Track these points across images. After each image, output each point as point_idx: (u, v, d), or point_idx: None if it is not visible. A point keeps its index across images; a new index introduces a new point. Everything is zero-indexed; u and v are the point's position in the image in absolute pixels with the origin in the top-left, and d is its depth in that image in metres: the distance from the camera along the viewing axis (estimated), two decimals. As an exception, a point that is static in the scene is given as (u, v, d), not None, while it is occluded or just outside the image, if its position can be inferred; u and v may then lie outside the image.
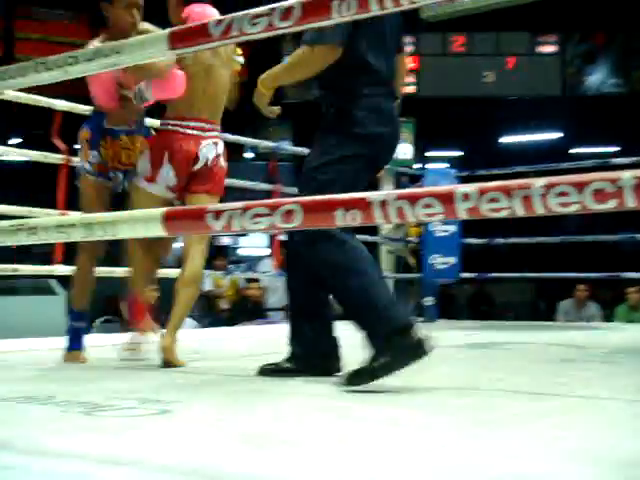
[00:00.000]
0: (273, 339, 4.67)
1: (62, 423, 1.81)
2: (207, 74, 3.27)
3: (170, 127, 3.26)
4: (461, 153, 16.94)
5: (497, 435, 1.69)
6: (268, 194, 5.87)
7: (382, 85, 2.59)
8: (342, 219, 1.41)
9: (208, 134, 3.28)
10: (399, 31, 2.72)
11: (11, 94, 4.10)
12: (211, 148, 3.27)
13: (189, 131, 3.24)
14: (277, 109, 2.68)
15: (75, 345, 3.28)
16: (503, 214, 1.27)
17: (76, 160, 4.46)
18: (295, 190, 6.29)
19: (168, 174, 3.22)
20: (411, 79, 13.68)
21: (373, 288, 2.39)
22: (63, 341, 3.30)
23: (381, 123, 2.55)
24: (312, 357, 2.64)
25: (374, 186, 2.71)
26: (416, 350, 2.30)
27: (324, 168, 2.52)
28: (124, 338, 3.35)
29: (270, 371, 2.66)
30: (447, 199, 1.31)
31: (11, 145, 12.33)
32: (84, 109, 4.33)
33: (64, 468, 1.40)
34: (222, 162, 3.32)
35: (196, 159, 3.23)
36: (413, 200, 1.34)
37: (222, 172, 3.35)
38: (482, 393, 2.33)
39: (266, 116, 2.68)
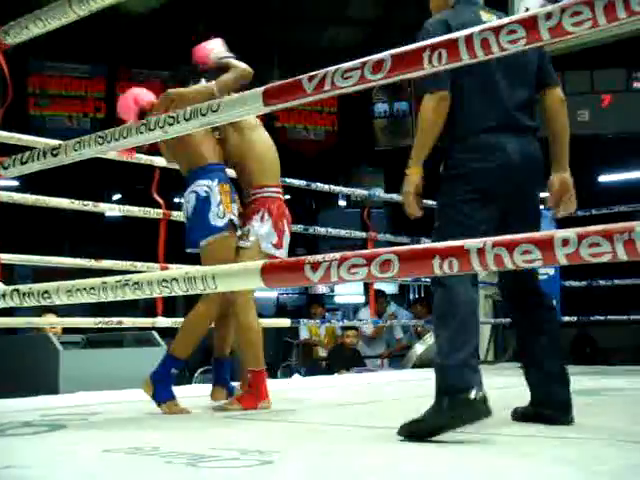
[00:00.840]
0: (372, 387, 4.65)
1: (167, 474, 1.84)
2: (269, 137, 3.44)
3: (273, 194, 3.34)
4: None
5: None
6: (363, 241, 5.91)
7: (483, 119, 2.50)
8: (439, 268, 1.40)
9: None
10: (532, 64, 2.58)
11: (114, 153, 4.26)
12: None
13: (282, 196, 3.39)
14: (420, 212, 2.52)
15: (171, 395, 3.16)
16: (605, 259, 1.24)
17: (176, 214, 4.58)
18: (388, 236, 6.33)
19: (287, 240, 3.35)
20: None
21: (458, 337, 2.30)
22: (151, 391, 3.17)
23: (482, 159, 2.47)
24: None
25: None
26: (478, 410, 2.20)
27: (439, 217, 2.52)
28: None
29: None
30: (546, 245, 1.30)
31: (112, 201, 12.84)
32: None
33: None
34: None
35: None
36: (511, 247, 1.33)
37: None
38: (596, 443, 2.20)
39: (411, 216, 2.53)
